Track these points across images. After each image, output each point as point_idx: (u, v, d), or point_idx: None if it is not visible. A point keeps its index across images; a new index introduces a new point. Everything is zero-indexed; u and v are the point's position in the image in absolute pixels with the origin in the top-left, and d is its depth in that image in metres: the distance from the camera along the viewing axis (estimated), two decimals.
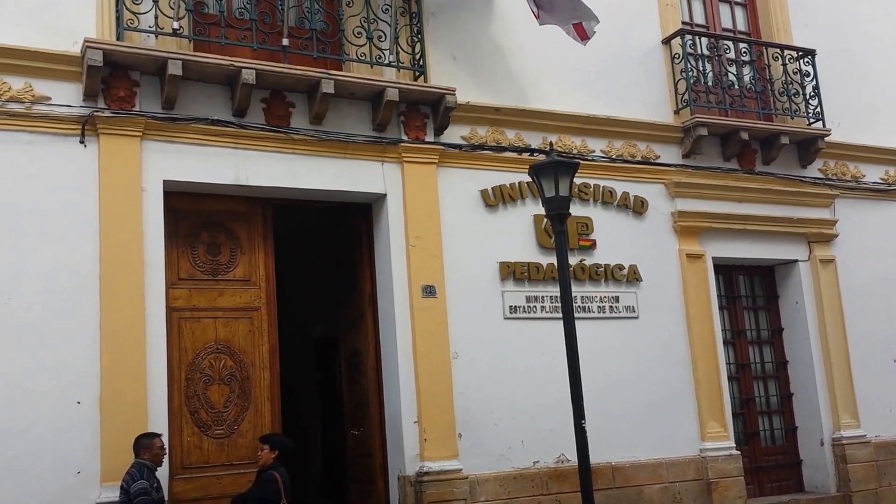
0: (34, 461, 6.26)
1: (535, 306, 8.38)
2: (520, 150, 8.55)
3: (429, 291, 7.86)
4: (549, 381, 8.08)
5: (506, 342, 8.17)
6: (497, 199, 8.43)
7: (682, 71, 9.51)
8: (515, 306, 8.30)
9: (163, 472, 6.45)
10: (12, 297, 6.41)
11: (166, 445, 6.51)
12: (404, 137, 8.00)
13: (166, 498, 6.44)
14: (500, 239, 8.36)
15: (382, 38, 7.88)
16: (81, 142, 6.78)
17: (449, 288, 7.97)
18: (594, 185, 8.99)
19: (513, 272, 8.34)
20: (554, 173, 7.01)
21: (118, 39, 6.87)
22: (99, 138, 6.82)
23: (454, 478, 7.56)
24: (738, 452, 9.12)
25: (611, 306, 8.80)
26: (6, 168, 6.53)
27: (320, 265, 9.61)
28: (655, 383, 8.79)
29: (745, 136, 9.56)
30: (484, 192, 8.38)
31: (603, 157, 9.08)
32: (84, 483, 6.39)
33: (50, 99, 6.71)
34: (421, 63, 8.05)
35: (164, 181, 7.03)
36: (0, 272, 6.39)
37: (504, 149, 8.51)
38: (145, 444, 6.31)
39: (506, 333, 8.20)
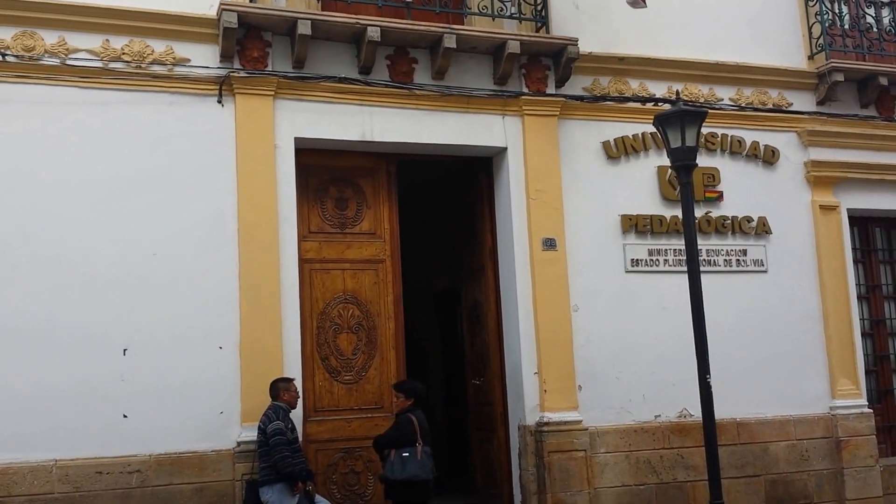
0: (182, 402, 6.74)
1: (657, 259, 8.30)
2: (644, 100, 8.41)
3: (549, 244, 7.90)
4: (671, 335, 8.06)
5: (627, 295, 8.14)
6: (619, 150, 8.33)
7: (816, 14, 9.06)
8: (637, 259, 8.24)
9: (297, 414, 6.83)
10: (159, 251, 6.85)
11: (300, 389, 6.89)
12: (525, 90, 7.99)
13: (300, 438, 6.81)
14: (621, 191, 8.29)
15: None
16: (219, 101, 7.13)
17: (569, 241, 7.99)
18: (722, 134, 8.75)
19: (635, 225, 8.26)
20: (680, 123, 6.88)
21: (251, 1, 7.13)
22: (235, 98, 7.16)
23: (574, 429, 7.67)
24: (871, 411, 8.84)
25: (738, 260, 8.61)
26: (150, 127, 6.94)
27: (442, 219, 9.78)
28: (784, 339, 8.59)
29: (883, 81, 9.07)
30: (606, 144, 8.30)
31: (732, 106, 8.81)
32: (226, 423, 6.84)
33: (189, 61, 7.07)
34: (543, 14, 7.99)
35: (296, 138, 7.32)
36: (146, 227, 6.82)
37: (627, 99, 8.38)
38: (281, 387, 6.69)
39: (627, 287, 8.17)
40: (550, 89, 8.07)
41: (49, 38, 6.73)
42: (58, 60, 6.75)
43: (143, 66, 6.95)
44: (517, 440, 7.84)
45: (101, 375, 6.57)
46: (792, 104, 9.02)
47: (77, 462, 6.43)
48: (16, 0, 6.63)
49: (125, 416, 6.59)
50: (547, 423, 7.60)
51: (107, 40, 6.87)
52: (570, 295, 7.92)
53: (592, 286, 8.02)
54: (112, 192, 6.77)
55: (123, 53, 6.91)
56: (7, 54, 6.60)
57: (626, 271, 8.20)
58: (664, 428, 8.06)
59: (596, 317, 8.00)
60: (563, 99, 8.09)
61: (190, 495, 6.65)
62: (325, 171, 7.73)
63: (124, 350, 6.65)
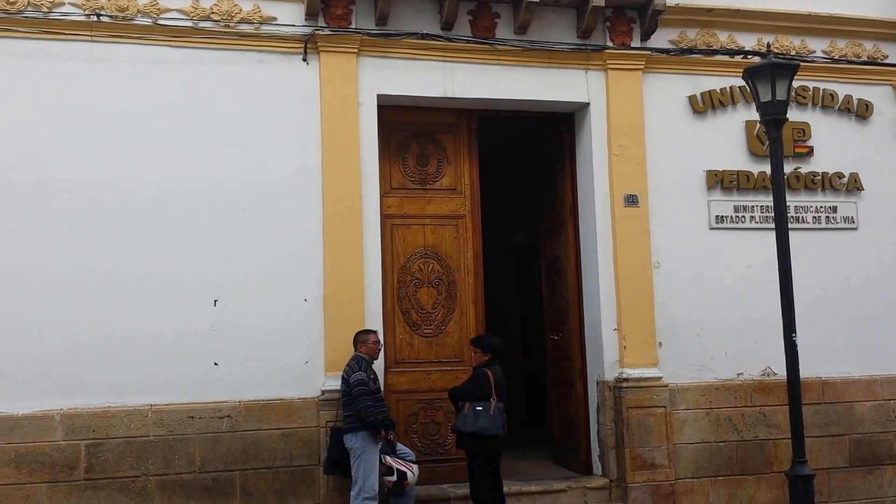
0: (270, 351, 7.00)
1: (743, 216, 8.13)
2: (732, 53, 8.17)
3: (631, 200, 7.82)
4: (756, 293, 7.93)
5: (711, 253, 8.02)
6: (706, 104, 8.14)
7: None
8: (722, 216, 8.09)
9: (378, 366, 7.00)
10: (247, 206, 7.06)
11: (381, 341, 7.06)
12: (609, 44, 7.86)
13: (382, 389, 7.00)
14: (707, 146, 8.12)
15: None
16: (304, 59, 7.25)
17: (652, 197, 7.89)
18: (813, 88, 8.46)
19: (720, 181, 8.10)
20: (770, 76, 6.68)
21: None
22: (319, 56, 7.27)
23: (654, 385, 7.66)
24: None
25: (827, 217, 8.37)
26: (239, 85, 7.12)
27: (522, 175, 9.76)
28: (873, 298, 8.35)
29: None
30: (692, 98, 8.12)
31: (824, 58, 8.49)
32: (311, 372, 7.07)
33: (276, 19, 7.20)
34: None
35: (378, 95, 7.40)
36: (235, 182, 7.03)
37: (715, 52, 8.15)
38: (363, 339, 6.86)
39: (711, 244, 8.05)
40: (635, 43, 7.91)
41: None
42: (150, 20, 6.96)
43: (231, 24, 7.11)
44: (595, 395, 7.89)
45: (193, 325, 6.87)
46: (888, 56, 8.64)
47: (171, 407, 6.77)
48: None
49: (216, 364, 6.89)
50: (626, 379, 7.61)
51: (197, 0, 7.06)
52: (652, 252, 7.85)
53: (675, 243, 7.92)
54: (203, 148, 7.00)
55: (212, 13, 7.08)
56: (102, 15, 6.84)
57: (711, 228, 8.06)
58: (746, 386, 7.97)
59: (678, 274, 7.91)
60: (649, 52, 7.93)
61: (277, 440, 6.93)
62: (406, 127, 7.80)
63: (215, 301, 6.93)
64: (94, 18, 6.83)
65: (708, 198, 8.09)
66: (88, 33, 6.84)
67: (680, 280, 7.92)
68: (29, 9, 6.73)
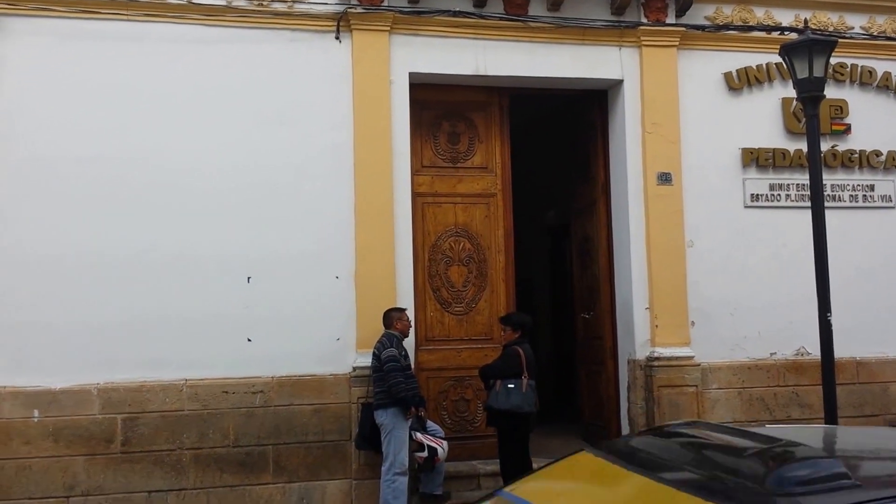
0: (302, 328, 7.06)
1: (779, 194, 8.04)
2: (769, 29, 8.04)
3: (664, 179, 7.76)
4: (791, 273, 7.86)
5: (745, 231, 7.95)
6: (741, 81, 8.04)
7: None
8: (757, 194, 8.01)
9: (409, 343, 7.06)
10: (279, 183, 7.11)
11: (412, 319, 7.10)
12: (643, 20, 7.77)
13: (413, 366, 7.06)
14: (742, 124, 8.03)
15: None
16: (336, 38, 7.26)
17: (686, 175, 7.83)
18: (851, 64, 8.33)
19: (756, 159, 8.00)
20: (808, 53, 6.56)
21: None
22: (352, 34, 7.27)
23: (686, 364, 7.63)
24: None
25: (864, 195, 8.25)
26: (272, 63, 7.15)
27: (553, 153, 9.72)
28: None
29: None
30: (727, 75, 8.02)
31: (863, 35, 8.34)
32: (343, 349, 7.14)
33: None
34: None
35: (410, 73, 7.39)
36: (267, 160, 7.07)
37: (751, 28, 8.03)
38: (394, 316, 6.91)
39: (745, 222, 7.98)
40: (670, 19, 7.81)
41: None
42: None
43: (264, 3, 7.13)
44: (626, 374, 7.88)
45: (227, 302, 6.96)
46: None
47: (205, 382, 6.88)
48: None
49: (249, 341, 6.98)
50: (658, 358, 7.60)
51: None
52: (685, 230, 7.80)
53: (709, 221, 7.86)
54: (236, 127, 7.05)
55: None
56: None
57: (745, 206, 7.99)
58: (780, 366, 7.92)
59: (711, 253, 7.85)
60: (684, 29, 7.84)
61: (309, 415, 7.03)
62: (438, 105, 7.79)
63: (248, 278, 7.01)
64: None
65: (743, 176, 8.01)
66: (125, 12, 6.91)
67: (713, 259, 7.86)
68: None
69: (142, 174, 6.88)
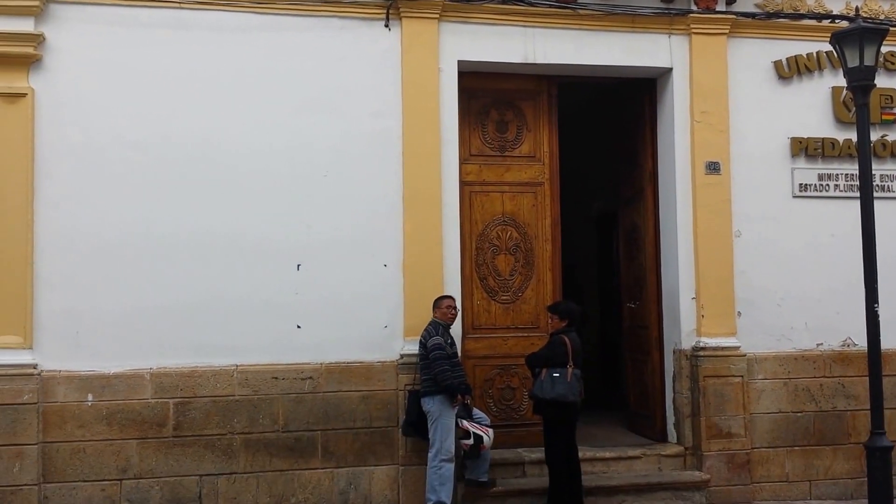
0: (352, 315, 7.12)
1: (827, 184, 7.96)
2: (820, 17, 7.94)
3: (712, 168, 7.71)
4: (838, 263, 7.81)
5: (793, 221, 7.89)
6: (791, 70, 7.96)
7: None
8: (806, 184, 7.94)
9: (456, 331, 7.09)
10: (329, 171, 7.14)
11: (459, 307, 7.12)
12: (694, 8, 7.71)
13: (459, 354, 7.09)
14: (792, 113, 7.95)
15: None
16: (386, 25, 7.25)
17: (734, 164, 7.77)
18: None
19: (805, 148, 7.93)
20: (859, 41, 6.52)
21: None
22: (401, 21, 7.26)
23: (731, 354, 7.61)
24: None
25: None
26: (321, 51, 7.16)
27: (600, 141, 9.68)
28: None
29: None
30: (777, 64, 7.94)
31: None
32: (390, 336, 7.18)
33: None
34: None
35: (459, 61, 7.39)
36: (317, 147, 7.11)
37: (802, 16, 7.93)
38: (440, 304, 6.93)
39: (794, 212, 7.91)
40: (720, 6, 7.74)
41: None
42: None
43: None
44: (672, 364, 7.87)
45: (277, 288, 7.02)
46: None
47: (255, 368, 6.95)
48: None
49: (299, 327, 7.04)
50: (703, 348, 7.58)
51: None
52: (733, 220, 7.75)
53: (757, 211, 7.81)
54: (286, 114, 7.08)
55: None
56: None
57: (794, 196, 7.92)
58: (826, 357, 7.87)
59: (759, 242, 7.81)
60: (734, 16, 7.76)
61: (357, 402, 7.08)
62: (486, 93, 7.78)
63: (298, 265, 7.05)
64: None
65: (791, 165, 7.93)
66: (175, 1, 6.93)
67: (761, 249, 7.81)
68: None
69: (192, 159, 6.93)
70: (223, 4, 7.00)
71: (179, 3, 6.93)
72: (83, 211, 6.76)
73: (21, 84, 6.67)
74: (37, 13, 6.68)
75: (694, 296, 7.70)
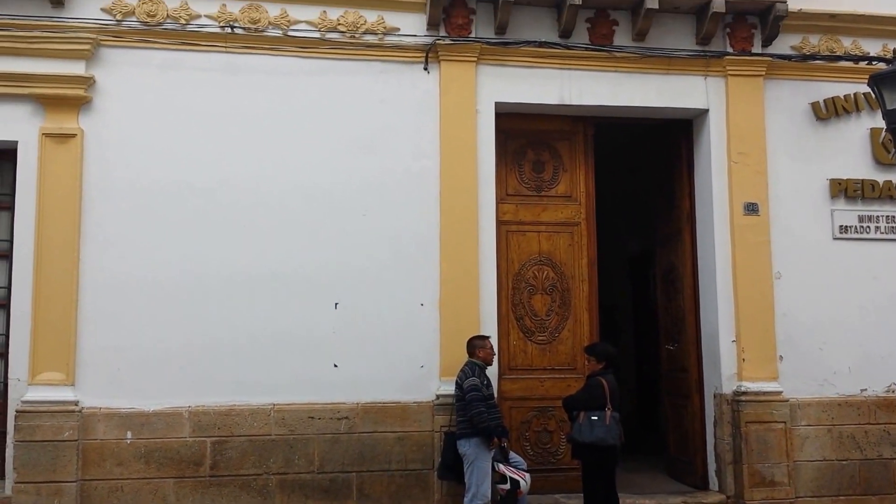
0: (388, 354, 7.12)
1: (868, 226, 7.88)
2: (857, 59, 7.94)
3: (751, 209, 7.67)
4: (881, 307, 7.73)
5: (834, 263, 7.80)
6: (829, 111, 7.95)
7: None
8: (846, 226, 7.86)
9: (492, 372, 7.03)
10: (367, 209, 7.22)
11: (495, 347, 7.07)
12: (729, 50, 7.77)
13: (495, 395, 7.00)
14: (830, 154, 7.92)
15: None
16: (425, 68, 7.40)
17: (772, 205, 7.73)
18: None
19: (844, 190, 7.87)
20: None
21: None
22: (440, 64, 7.40)
23: (774, 399, 7.47)
24: None
25: None
26: (362, 93, 7.31)
27: (637, 181, 9.69)
28: None
29: None
30: (815, 105, 7.93)
31: None
32: (426, 376, 7.16)
33: (399, 30, 7.37)
34: None
35: (496, 103, 7.48)
36: (357, 187, 7.20)
37: (839, 58, 7.95)
38: (477, 344, 6.89)
39: (834, 254, 7.82)
40: (756, 48, 7.79)
41: (272, 10, 7.21)
42: (280, 32, 7.22)
43: (356, 35, 7.31)
44: (712, 408, 7.73)
45: (314, 326, 7.06)
46: None
47: (292, 407, 6.95)
48: None
49: (335, 366, 7.04)
50: (745, 393, 7.45)
51: (324, 12, 7.28)
52: (773, 261, 7.67)
53: (796, 253, 7.74)
54: (326, 155, 7.20)
55: (339, 24, 7.29)
56: (235, 26, 7.13)
57: (834, 238, 7.85)
58: (870, 402, 7.70)
59: (799, 285, 7.71)
60: (770, 58, 7.79)
61: (393, 443, 7.03)
62: (523, 134, 7.85)
63: (336, 303, 7.09)
64: (229, 30, 7.14)
65: (831, 207, 7.88)
66: (223, 44, 7.14)
67: (801, 291, 7.72)
68: (168, 21, 7.08)
69: (236, 200, 7.05)
70: (268, 49, 7.19)
71: (226, 47, 7.13)
72: (128, 250, 6.88)
73: (71, 125, 6.87)
74: (88, 57, 6.91)
75: (734, 338, 7.60)
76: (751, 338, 7.58)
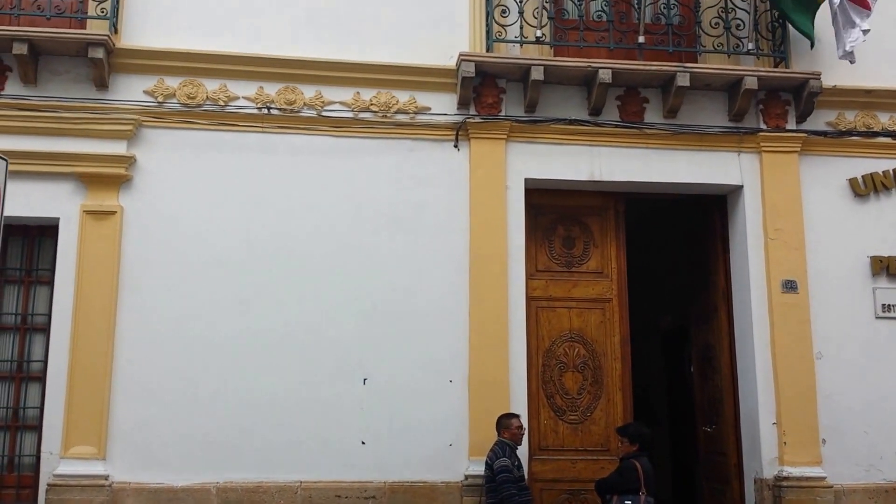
0: (415, 432, 7.04)
1: None
2: (894, 135, 7.82)
3: (789, 286, 7.50)
4: None
5: (877, 343, 7.56)
6: (868, 188, 7.80)
7: None
8: (889, 304, 7.63)
9: (522, 452, 6.90)
10: (397, 285, 7.23)
11: (525, 426, 6.96)
12: (763, 126, 7.71)
13: (526, 476, 6.86)
14: (870, 231, 7.75)
15: (741, 27, 7.67)
16: (455, 146, 7.49)
17: (812, 283, 7.55)
18: None
19: (886, 267, 7.66)
20: None
21: (488, 51, 7.47)
22: (470, 142, 7.48)
23: (817, 486, 7.16)
24: None
25: None
26: (394, 170, 7.40)
27: (669, 256, 9.58)
28: None
29: None
30: (853, 181, 7.80)
31: None
32: (455, 455, 7.04)
33: (429, 109, 7.50)
34: (782, 49, 7.72)
35: (525, 179, 7.51)
36: (385, 263, 7.23)
37: (876, 133, 7.85)
38: (506, 423, 6.79)
39: (877, 333, 7.58)
40: (790, 125, 7.73)
41: (308, 92, 7.40)
42: (314, 112, 7.40)
43: (388, 115, 7.46)
44: (753, 494, 7.43)
45: (343, 403, 7.02)
46: None
47: (319, 484, 6.88)
48: (282, 59, 7.36)
49: (363, 443, 6.98)
50: (787, 478, 7.15)
51: (357, 93, 7.45)
52: (813, 340, 7.46)
53: (838, 332, 7.51)
54: (359, 231, 7.28)
55: (371, 104, 7.45)
56: (272, 108, 7.34)
57: (877, 317, 7.61)
58: None
59: (842, 365, 7.47)
60: (805, 134, 7.72)
61: None
62: (553, 210, 7.84)
63: (364, 380, 7.08)
64: (265, 111, 7.34)
65: (873, 285, 7.67)
66: (259, 125, 7.33)
67: (844, 371, 7.47)
68: (207, 103, 7.31)
69: (267, 276, 7.12)
70: (303, 129, 7.37)
71: (262, 127, 7.33)
72: (162, 324, 6.97)
73: (111, 202, 7.07)
74: (130, 137, 7.15)
75: (775, 421, 7.34)
76: (792, 420, 7.32)
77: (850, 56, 7.36)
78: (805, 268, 7.56)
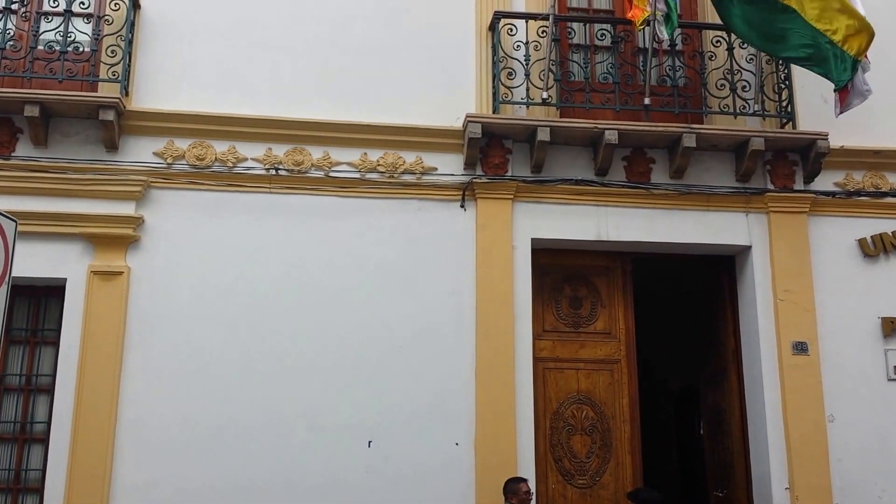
0: (422, 494, 6.93)
1: None
2: None
3: (800, 348, 7.41)
4: None
5: (891, 405, 7.45)
6: (877, 248, 7.74)
7: None
8: None
9: None
10: (404, 344, 7.19)
11: (533, 491, 6.81)
12: (770, 186, 7.71)
13: None
14: (881, 292, 7.68)
15: (746, 88, 7.71)
16: (462, 206, 7.50)
17: (822, 345, 7.46)
18: None
19: None
20: None
21: (494, 112, 7.51)
22: (476, 202, 7.49)
23: None
24: None
25: None
26: (400, 230, 7.41)
27: (678, 316, 9.50)
28: None
29: None
30: (862, 242, 7.75)
31: None
32: None
33: (436, 169, 7.53)
34: (788, 109, 7.74)
35: (532, 239, 7.49)
36: (391, 323, 7.20)
37: (885, 194, 7.83)
38: (514, 488, 6.64)
39: (890, 395, 7.48)
40: (798, 185, 7.72)
41: (315, 153, 7.44)
42: (322, 173, 7.44)
43: (395, 175, 7.48)
44: None
45: (348, 464, 6.93)
46: None
47: None
48: (290, 121, 7.42)
49: None
50: None
51: (365, 154, 7.49)
52: (825, 404, 7.34)
53: (850, 394, 7.40)
54: (364, 290, 7.25)
55: (378, 165, 7.49)
56: (280, 168, 7.38)
57: (889, 379, 7.51)
58: None
59: (854, 428, 7.34)
60: (813, 195, 7.71)
61: None
62: (560, 269, 7.81)
63: (369, 442, 6.99)
64: (273, 172, 7.38)
65: (885, 346, 7.57)
66: (267, 185, 7.37)
67: (857, 435, 7.34)
68: (216, 164, 7.35)
69: (273, 339, 7.09)
70: (310, 189, 7.39)
71: (270, 188, 7.36)
72: (167, 386, 6.91)
73: (119, 263, 7.08)
74: (139, 198, 7.18)
75: (787, 485, 7.20)
76: (805, 484, 7.17)
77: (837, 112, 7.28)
78: (815, 329, 7.48)
